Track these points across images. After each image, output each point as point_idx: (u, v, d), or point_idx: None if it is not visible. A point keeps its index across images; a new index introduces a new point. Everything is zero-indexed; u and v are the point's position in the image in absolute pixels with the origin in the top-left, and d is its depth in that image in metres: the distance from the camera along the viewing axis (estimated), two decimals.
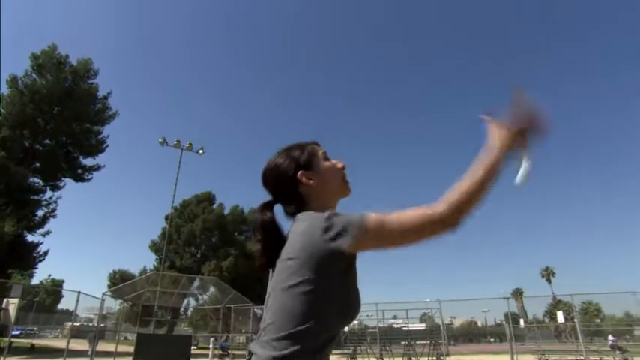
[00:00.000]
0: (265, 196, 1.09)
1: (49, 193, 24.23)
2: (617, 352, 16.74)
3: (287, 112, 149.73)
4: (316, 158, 1.08)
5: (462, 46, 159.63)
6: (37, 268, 25.42)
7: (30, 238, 23.00)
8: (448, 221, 0.82)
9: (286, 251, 0.91)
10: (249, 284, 30.57)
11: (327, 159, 1.10)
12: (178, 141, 28.11)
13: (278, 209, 1.09)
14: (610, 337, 18.17)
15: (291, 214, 1.04)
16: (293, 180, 1.04)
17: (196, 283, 28.61)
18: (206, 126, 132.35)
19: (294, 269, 0.87)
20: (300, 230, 0.91)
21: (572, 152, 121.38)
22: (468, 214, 0.82)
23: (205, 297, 32.79)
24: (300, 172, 1.04)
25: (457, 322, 71.38)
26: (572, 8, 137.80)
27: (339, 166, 1.10)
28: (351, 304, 0.92)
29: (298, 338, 0.83)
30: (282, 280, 0.89)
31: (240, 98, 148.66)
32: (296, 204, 1.05)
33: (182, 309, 43.57)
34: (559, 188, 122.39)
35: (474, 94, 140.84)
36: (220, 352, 20.74)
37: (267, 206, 1.06)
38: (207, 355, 20.79)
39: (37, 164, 23.84)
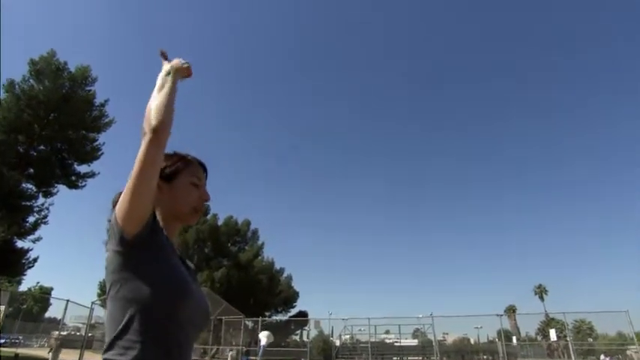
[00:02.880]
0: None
1: (41, 199, 23.91)
2: None
3: (286, 120, 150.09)
4: (181, 175, 1.08)
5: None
6: (25, 274, 24.98)
7: (20, 244, 22.67)
8: (163, 138, 0.92)
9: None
10: (242, 296, 30.28)
11: (195, 184, 1.09)
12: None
13: None
14: (602, 357, 18.13)
15: None
16: None
17: None
18: (203, 137, 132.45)
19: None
20: None
21: (565, 171, 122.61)
22: (170, 125, 0.95)
23: None
24: None
25: (449, 339, 70.73)
26: None
27: (201, 196, 1.10)
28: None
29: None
30: None
31: (240, 107, 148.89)
32: None
33: None
34: (553, 206, 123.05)
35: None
36: None
37: None
38: None
39: (31, 170, 23.64)
